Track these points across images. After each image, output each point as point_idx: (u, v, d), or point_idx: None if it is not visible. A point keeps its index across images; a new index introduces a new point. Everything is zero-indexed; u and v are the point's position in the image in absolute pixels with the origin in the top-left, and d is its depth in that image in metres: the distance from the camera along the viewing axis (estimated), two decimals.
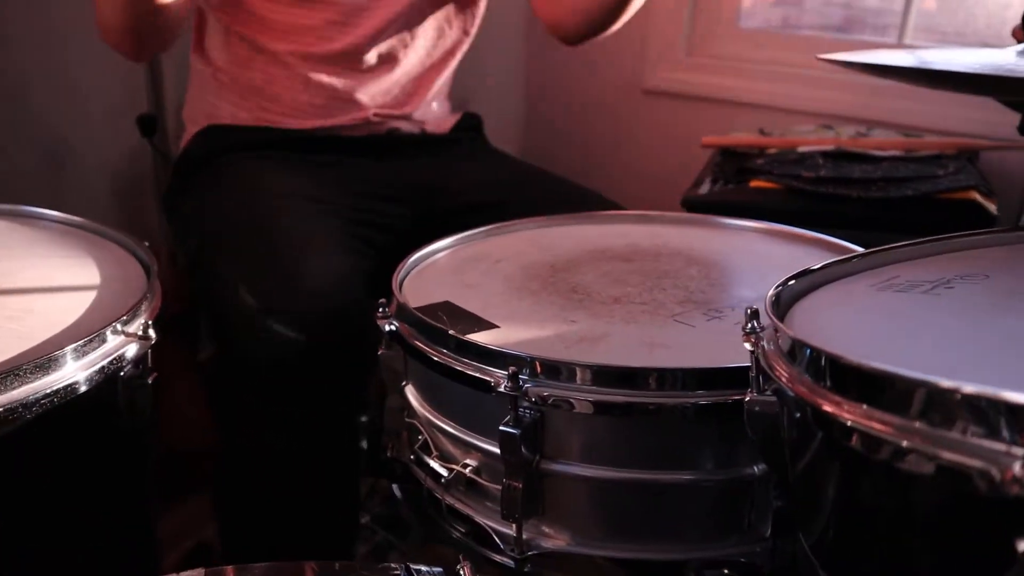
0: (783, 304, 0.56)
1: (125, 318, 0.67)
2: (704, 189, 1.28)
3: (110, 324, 0.66)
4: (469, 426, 0.71)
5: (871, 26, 1.62)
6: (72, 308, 0.71)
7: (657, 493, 0.67)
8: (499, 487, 0.67)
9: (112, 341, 0.66)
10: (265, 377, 0.89)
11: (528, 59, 1.24)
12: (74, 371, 0.62)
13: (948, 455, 0.39)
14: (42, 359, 0.60)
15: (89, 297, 0.73)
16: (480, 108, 1.38)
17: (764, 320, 0.55)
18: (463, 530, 0.73)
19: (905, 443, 0.41)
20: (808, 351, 0.47)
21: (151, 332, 0.69)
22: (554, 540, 0.69)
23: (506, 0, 1.33)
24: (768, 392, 0.52)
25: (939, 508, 0.44)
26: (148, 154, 1.45)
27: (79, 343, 0.62)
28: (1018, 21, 0.93)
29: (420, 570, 0.56)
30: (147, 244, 0.83)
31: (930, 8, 1.56)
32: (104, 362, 0.64)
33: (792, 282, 0.58)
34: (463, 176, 1.19)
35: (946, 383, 0.39)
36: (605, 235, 0.98)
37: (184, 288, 1.26)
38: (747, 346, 0.55)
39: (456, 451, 0.73)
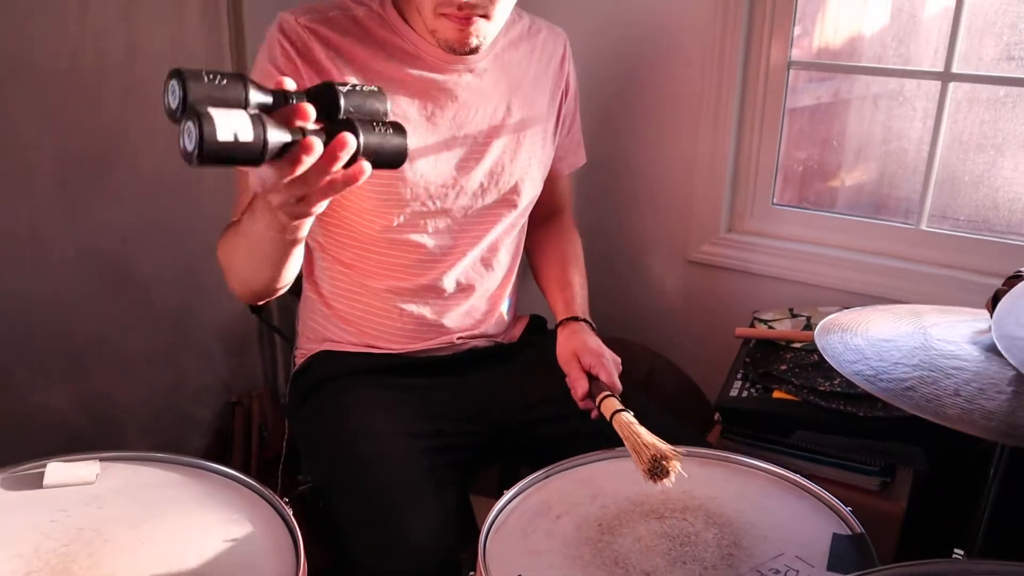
0: None
1: None
2: (735, 391, 1.49)
3: None
4: None
5: (892, 210, 1.79)
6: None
7: None
8: None
9: None
10: None
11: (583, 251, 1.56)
12: None
13: None
14: None
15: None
16: (538, 298, 1.57)
17: None
18: None
19: None
20: None
21: None
22: None
23: None
24: None
25: None
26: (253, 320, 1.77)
27: None
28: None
29: None
30: (286, 500, 1.08)
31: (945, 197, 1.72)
32: None
33: None
34: (532, 389, 1.39)
35: None
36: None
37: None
38: None
39: None
